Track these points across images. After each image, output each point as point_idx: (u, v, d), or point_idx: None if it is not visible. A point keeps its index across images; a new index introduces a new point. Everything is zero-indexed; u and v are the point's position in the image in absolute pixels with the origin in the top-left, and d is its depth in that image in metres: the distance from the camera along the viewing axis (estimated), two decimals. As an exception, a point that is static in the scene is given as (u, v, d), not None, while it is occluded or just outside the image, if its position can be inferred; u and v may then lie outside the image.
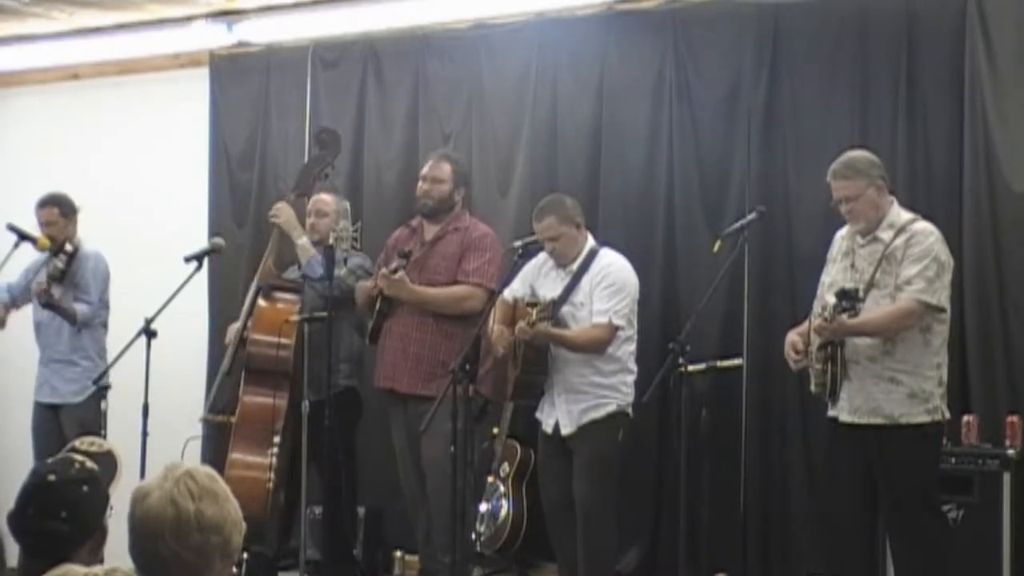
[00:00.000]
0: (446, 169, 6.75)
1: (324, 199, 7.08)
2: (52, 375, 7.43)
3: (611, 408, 6.17)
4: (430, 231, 6.74)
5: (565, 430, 6.21)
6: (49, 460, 3.09)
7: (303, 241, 6.89)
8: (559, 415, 6.22)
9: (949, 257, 5.51)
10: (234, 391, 6.95)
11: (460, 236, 6.67)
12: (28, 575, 2.94)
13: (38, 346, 7.52)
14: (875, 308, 5.42)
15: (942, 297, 5.44)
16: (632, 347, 6.26)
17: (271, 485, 6.62)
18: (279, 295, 6.93)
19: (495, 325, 6.31)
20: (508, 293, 6.38)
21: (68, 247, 7.20)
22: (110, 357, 7.13)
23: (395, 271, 6.48)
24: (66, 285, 7.29)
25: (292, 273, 7.04)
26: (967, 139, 6.30)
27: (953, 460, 5.80)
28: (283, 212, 6.95)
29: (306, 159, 7.51)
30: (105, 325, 7.42)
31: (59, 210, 7.38)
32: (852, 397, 5.49)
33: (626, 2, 7.21)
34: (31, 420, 7.51)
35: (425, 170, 6.82)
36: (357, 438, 7.16)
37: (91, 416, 6.94)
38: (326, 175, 7.19)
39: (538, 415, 6.37)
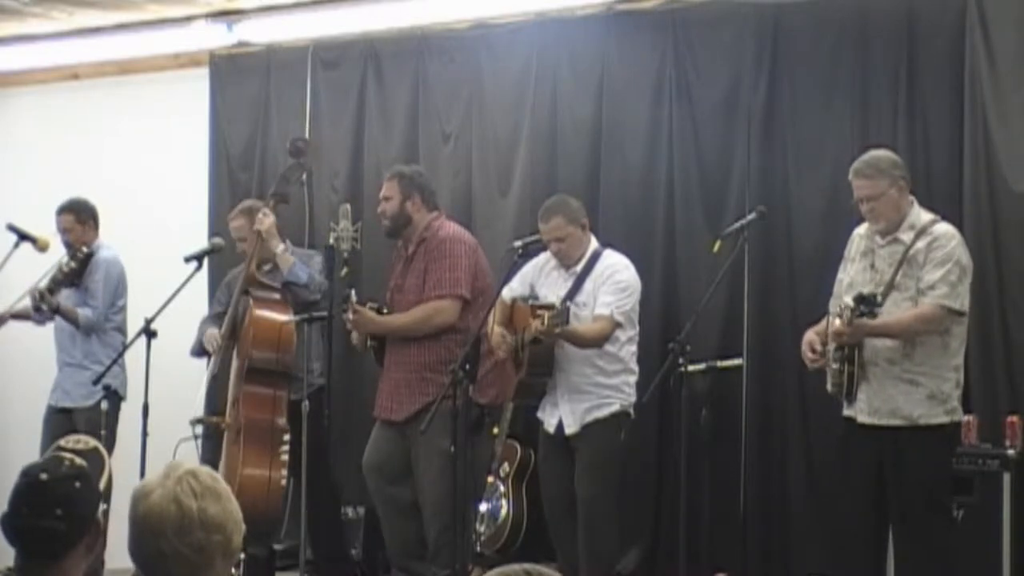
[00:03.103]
0: (392, 185, 6.63)
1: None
2: (65, 379, 7.48)
3: (614, 408, 6.17)
4: (409, 248, 6.67)
5: (569, 429, 6.20)
6: (38, 460, 3.09)
7: (282, 249, 6.90)
8: (563, 415, 6.22)
9: (970, 260, 5.52)
10: (224, 393, 6.96)
11: (425, 249, 6.57)
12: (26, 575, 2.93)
13: (56, 349, 7.54)
14: (895, 310, 5.42)
15: (964, 301, 5.45)
16: (634, 348, 6.26)
17: (284, 482, 6.63)
18: (263, 294, 6.90)
19: (494, 327, 6.30)
20: (507, 292, 6.37)
21: (81, 252, 7.20)
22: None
23: (346, 312, 6.44)
24: (80, 290, 7.32)
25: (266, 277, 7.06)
26: (967, 139, 6.29)
27: (953, 460, 5.79)
28: (265, 220, 6.95)
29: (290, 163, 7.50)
30: (120, 330, 7.43)
31: (75, 217, 7.42)
32: (871, 398, 5.48)
33: (626, 2, 7.21)
34: (42, 421, 7.52)
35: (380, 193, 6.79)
36: (354, 438, 7.16)
37: (98, 418, 6.96)
38: (302, 183, 7.20)
39: (539, 415, 6.36)
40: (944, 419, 5.46)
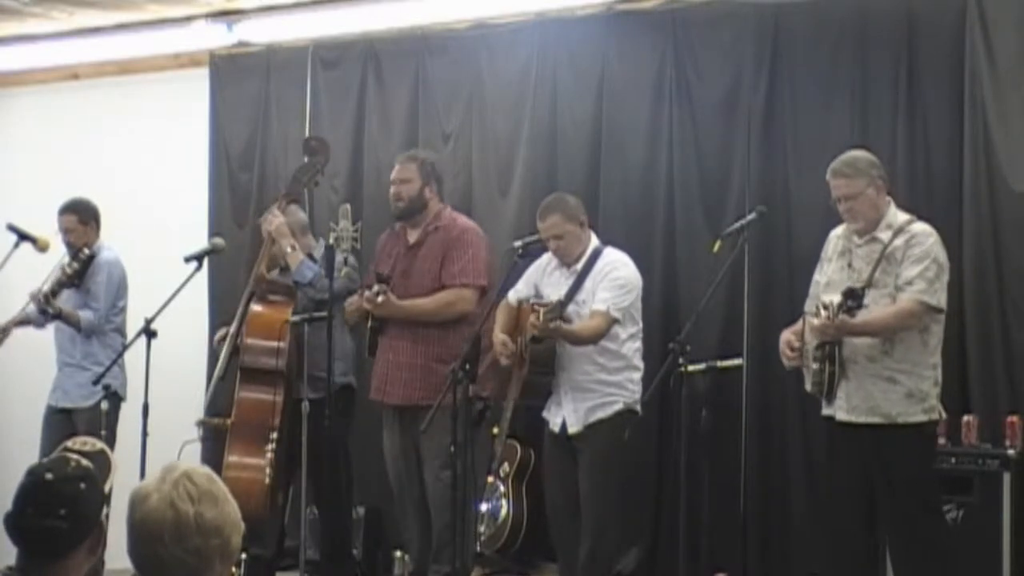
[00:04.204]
0: (411, 168, 6.68)
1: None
2: (65, 379, 7.48)
3: (618, 407, 6.14)
4: (412, 235, 6.69)
5: (572, 429, 6.19)
6: (44, 460, 3.09)
7: (293, 249, 6.91)
8: (565, 414, 6.21)
9: (946, 259, 5.53)
10: (229, 395, 6.96)
11: (441, 236, 6.61)
12: (27, 575, 2.93)
13: (55, 350, 7.54)
14: (874, 308, 5.43)
15: (941, 298, 5.46)
16: (638, 344, 6.25)
17: (269, 482, 6.62)
18: (272, 297, 6.93)
19: (497, 333, 6.29)
20: (512, 295, 6.38)
21: (83, 253, 7.19)
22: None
23: (377, 295, 6.36)
24: (81, 291, 7.32)
25: (276, 275, 7.06)
26: (967, 139, 6.30)
27: (953, 460, 5.80)
28: (274, 220, 6.96)
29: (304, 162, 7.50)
30: (120, 331, 7.42)
31: (77, 217, 7.41)
32: (850, 396, 5.50)
33: (626, 2, 7.22)
34: (42, 421, 7.53)
35: (393, 174, 6.77)
36: (355, 437, 7.17)
37: (98, 418, 6.97)
38: (316, 182, 7.21)
39: (545, 414, 6.35)
40: (922, 417, 5.46)
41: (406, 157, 6.81)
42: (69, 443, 4.08)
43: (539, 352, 6.17)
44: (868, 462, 5.51)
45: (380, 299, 6.37)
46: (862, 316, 5.38)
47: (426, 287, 6.56)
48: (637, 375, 6.22)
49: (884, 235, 5.51)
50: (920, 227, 5.53)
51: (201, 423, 6.98)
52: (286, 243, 6.92)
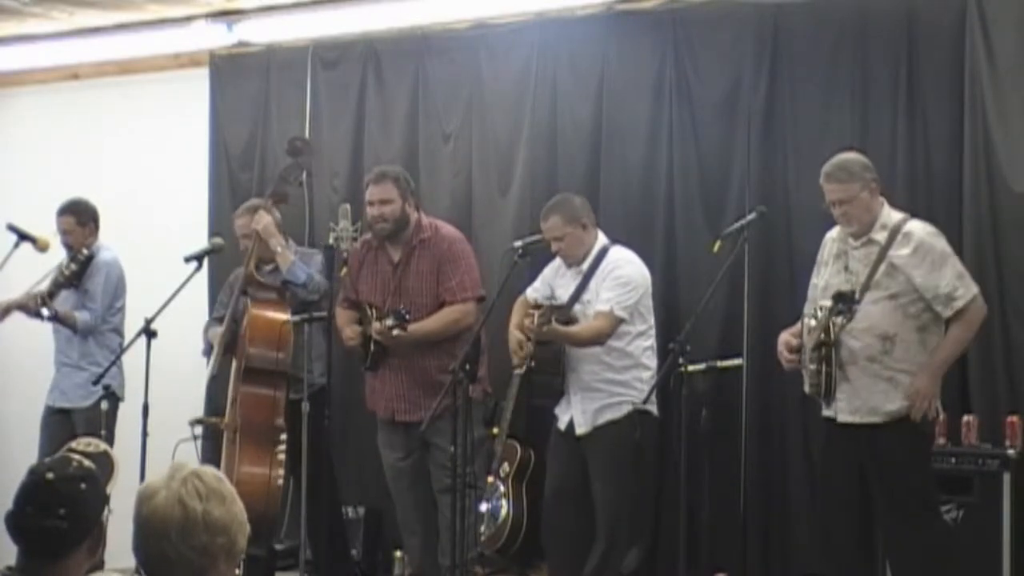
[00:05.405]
0: (390, 187, 6.60)
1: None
2: (63, 379, 7.49)
3: (627, 408, 6.12)
4: (395, 251, 6.65)
5: (580, 430, 6.19)
6: (46, 459, 3.10)
7: (282, 249, 6.90)
8: (574, 414, 6.21)
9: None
10: (223, 393, 6.96)
11: (429, 251, 6.58)
12: (27, 574, 2.94)
13: (54, 349, 7.54)
14: (872, 309, 5.42)
15: (969, 279, 5.49)
16: (647, 343, 6.25)
17: (281, 482, 6.64)
18: (263, 295, 6.90)
19: (512, 331, 6.30)
20: (531, 292, 6.39)
21: (81, 254, 7.18)
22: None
23: (392, 329, 6.25)
24: (79, 292, 7.32)
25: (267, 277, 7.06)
26: (967, 139, 6.30)
27: (953, 460, 5.80)
28: (262, 220, 6.94)
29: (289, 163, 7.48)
30: (118, 331, 7.43)
31: (75, 218, 7.41)
32: (851, 397, 5.50)
33: (626, 2, 7.21)
34: (40, 421, 7.53)
35: (369, 195, 6.68)
36: (355, 437, 7.18)
37: (98, 418, 6.97)
38: (300, 183, 7.21)
39: (556, 411, 6.35)
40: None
41: (380, 175, 6.69)
42: (73, 444, 4.06)
43: (545, 354, 6.17)
44: (865, 462, 5.52)
45: (395, 333, 6.28)
46: (942, 344, 5.44)
47: (424, 305, 6.53)
48: (647, 374, 6.20)
49: (880, 236, 5.51)
50: (918, 227, 5.53)
51: (198, 422, 6.98)
52: (275, 243, 6.92)
